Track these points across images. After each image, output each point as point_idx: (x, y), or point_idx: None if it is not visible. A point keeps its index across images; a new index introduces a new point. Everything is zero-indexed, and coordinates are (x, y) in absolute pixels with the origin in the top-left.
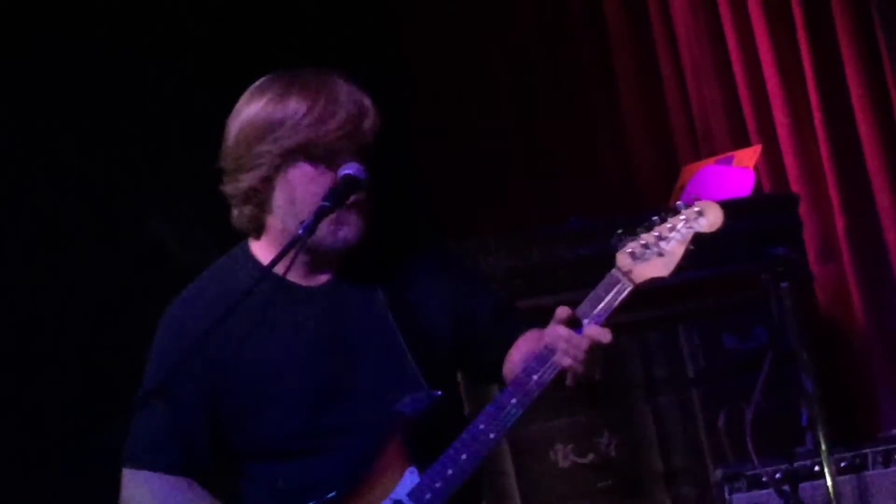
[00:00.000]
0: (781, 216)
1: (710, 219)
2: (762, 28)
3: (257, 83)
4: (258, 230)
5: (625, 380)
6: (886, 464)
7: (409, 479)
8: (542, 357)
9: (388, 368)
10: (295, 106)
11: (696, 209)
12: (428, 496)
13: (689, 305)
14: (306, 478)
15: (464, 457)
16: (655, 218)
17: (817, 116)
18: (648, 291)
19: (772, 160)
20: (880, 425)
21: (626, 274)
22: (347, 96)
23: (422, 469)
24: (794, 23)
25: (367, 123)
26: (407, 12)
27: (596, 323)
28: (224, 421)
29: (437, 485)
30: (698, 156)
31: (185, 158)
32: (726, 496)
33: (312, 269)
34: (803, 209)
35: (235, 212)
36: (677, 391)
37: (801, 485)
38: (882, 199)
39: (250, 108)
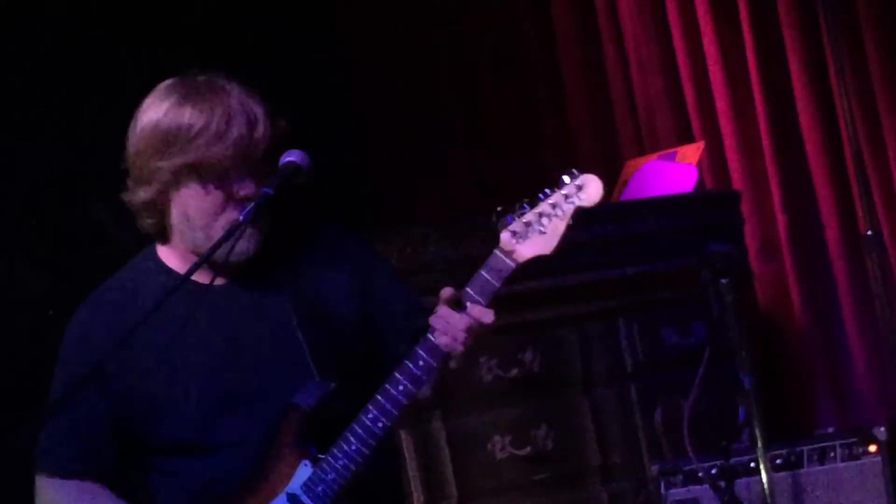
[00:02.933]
0: (723, 213)
1: (590, 193)
2: (707, 23)
3: (161, 86)
4: (163, 236)
5: (563, 373)
6: (822, 461)
7: (304, 471)
8: (427, 341)
9: (284, 363)
10: (189, 120)
11: (576, 183)
12: (320, 488)
13: (629, 299)
14: (210, 473)
15: (354, 447)
16: (541, 195)
17: (760, 114)
18: (589, 284)
19: (715, 157)
20: (817, 423)
21: (509, 254)
22: (241, 111)
23: (316, 461)
24: (739, 19)
25: (258, 135)
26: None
27: (479, 303)
28: (129, 421)
29: (330, 476)
30: (642, 151)
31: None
32: (662, 491)
33: (216, 269)
34: (745, 206)
35: (138, 220)
36: (615, 385)
37: (737, 481)
38: (823, 197)
39: (149, 116)
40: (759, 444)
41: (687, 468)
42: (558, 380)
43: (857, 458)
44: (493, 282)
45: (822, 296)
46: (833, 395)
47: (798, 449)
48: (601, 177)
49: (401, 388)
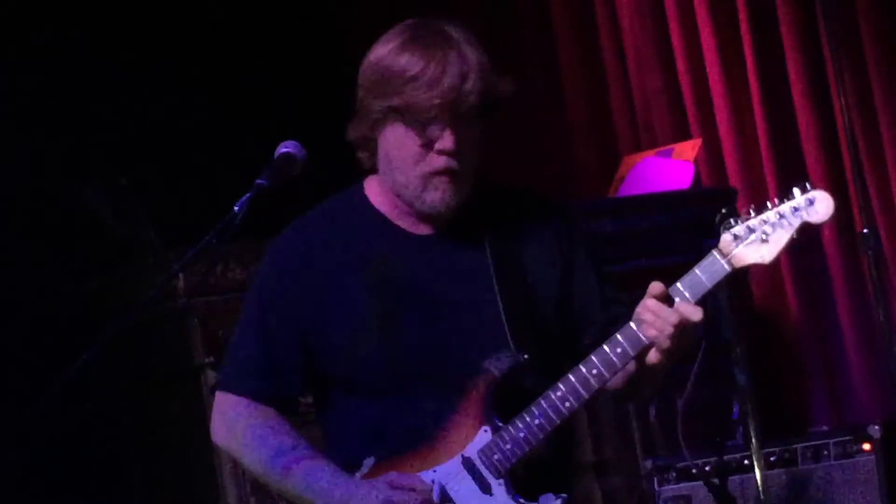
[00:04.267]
0: (718, 209)
1: (822, 209)
2: (706, 21)
3: (396, 27)
4: (373, 169)
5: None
6: (816, 459)
7: (482, 437)
8: (628, 330)
9: (480, 326)
10: (405, 65)
11: (807, 197)
12: (496, 457)
13: (625, 295)
14: (387, 422)
15: (538, 422)
16: (769, 203)
17: (758, 112)
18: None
19: (712, 154)
20: (811, 420)
21: (726, 256)
22: (457, 62)
23: (497, 429)
24: (738, 17)
25: (468, 88)
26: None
27: (688, 301)
28: (318, 353)
29: (508, 447)
30: (639, 147)
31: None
32: (656, 488)
33: (420, 218)
34: (741, 203)
35: (357, 153)
36: None
37: (731, 478)
38: None
39: (375, 53)
40: (754, 441)
41: (680, 465)
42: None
43: (851, 456)
44: (706, 282)
45: (818, 293)
46: (827, 392)
47: (792, 446)
48: (598, 172)
49: (594, 371)
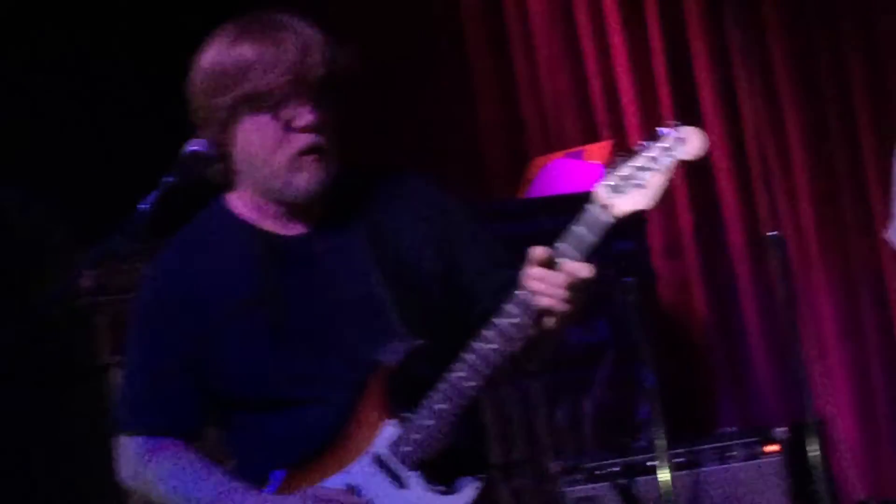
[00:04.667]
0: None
1: (693, 145)
2: (616, 23)
3: (218, 30)
4: (230, 183)
5: None
6: (722, 460)
7: (389, 431)
8: (520, 300)
9: (367, 318)
10: (241, 54)
11: (678, 135)
12: (407, 448)
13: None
14: (291, 430)
15: (442, 407)
16: (637, 147)
17: (667, 115)
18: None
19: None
20: (718, 422)
21: (606, 207)
22: (293, 38)
23: (402, 420)
24: (647, 20)
25: (313, 60)
26: None
27: (575, 258)
28: (209, 377)
29: (417, 436)
30: (550, 149)
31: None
32: (563, 488)
33: (289, 217)
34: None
35: (208, 168)
36: (518, 382)
37: (637, 479)
38: (727, 198)
39: (205, 58)
40: (660, 442)
41: (588, 466)
42: None
43: (757, 457)
44: (589, 235)
45: (725, 296)
46: (734, 394)
47: (698, 448)
48: (507, 173)
49: (493, 346)
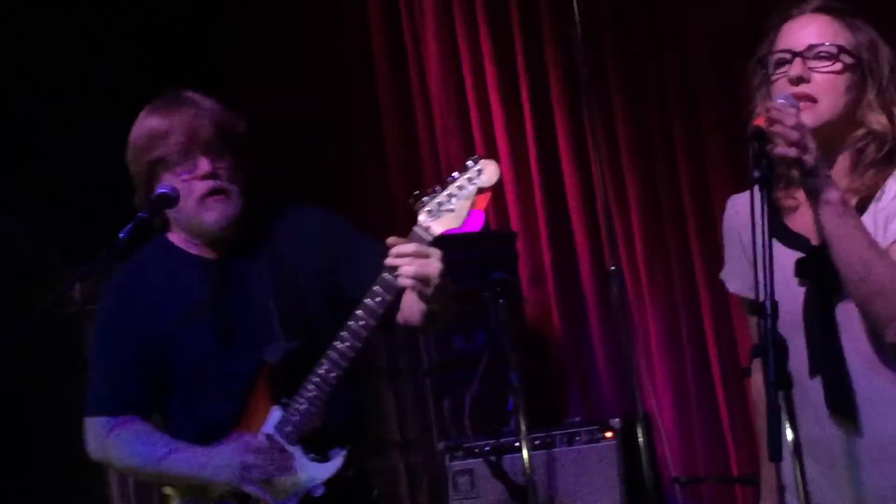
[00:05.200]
0: (502, 248)
1: (488, 175)
2: (496, 102)
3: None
4: (167, 225)
5: (374, 366)
6: (570, 443)
7: (275, 414)
8: (385, 282)
9: (259, 326)
10: (152, 125)
11: (477, 167)
12: (288, 428)
13: None
14: (209, 413)
15: (314, 393)
16: (449, 178)
17: (534, 172)
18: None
19: (499, 205)
20: (568, 413)
21: (426, 229)
22: (188, 105)
23: (284, 406)
24: (521, 100)
25: (202, 122)
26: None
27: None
28: (152, 370)
29: (295, 418)
30: None
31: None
32: (447, 463)
33: (210, 246)
34: (520, 244)
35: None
36: (414, 378)
37: (505, 456)
38: (579, 238)
39: (132, 134)
40: (523, 428)
41: (466, 445)
42: (370, 371)
43: (597, 441)
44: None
45: (576, 315)
46: (581, 393)
47: (552, 433)
48: (411, 214)
49: (347, 344)
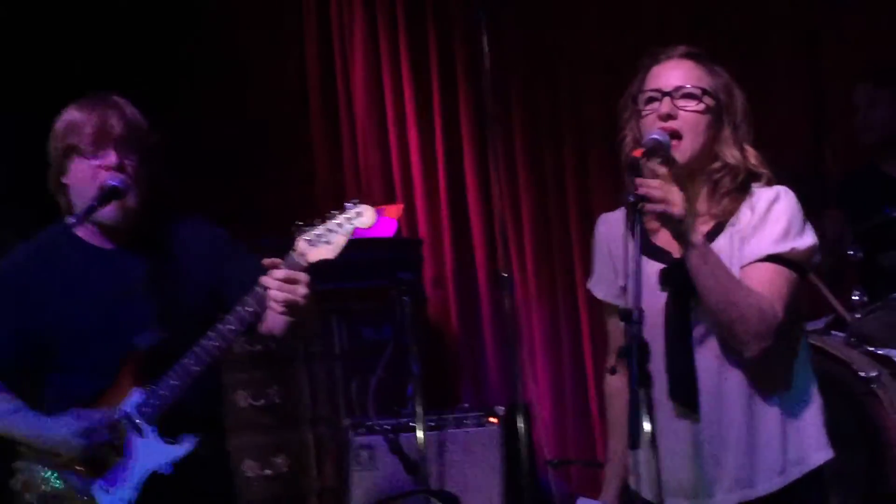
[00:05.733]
0: (410, 253)
1: (366, 218)
2: (412, 120)
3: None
4: (70, 209)
5: (291, 351)
6: (459, 426)
7: (136, 396)
8: (257, 295)
9: (135, 314)
10: (71, 117)
11: (357, 210)
12: (146, 409)
13: (341, 305)
14: (79, 389)
15: (174, 382)
16: (330, 213)
17: (442, 188)
18: (313, 293)
19: (409, 214)
20: (460, 399)
21: (302, 255)
22: (104, 105)
23: (147, 389)
24: (435, 126)
25: (115, 120)
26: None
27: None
28: (29, 341)
29: (153, 401)
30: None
31: None
32: (351, 437)
33: (104, 236)
34: (426, 250)
35: (58, 200)
36: (327, 363)
37: (402, 435)
38: (478, 247)
39: (56, 120)
40: (419, 410)
41: (369, 423)
42: (287, 356)
43: (483, 426)
44: (292, 269)
45: (471, 315)
46: (472, 383)
47: (444, 416)
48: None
49: (230, 327)
